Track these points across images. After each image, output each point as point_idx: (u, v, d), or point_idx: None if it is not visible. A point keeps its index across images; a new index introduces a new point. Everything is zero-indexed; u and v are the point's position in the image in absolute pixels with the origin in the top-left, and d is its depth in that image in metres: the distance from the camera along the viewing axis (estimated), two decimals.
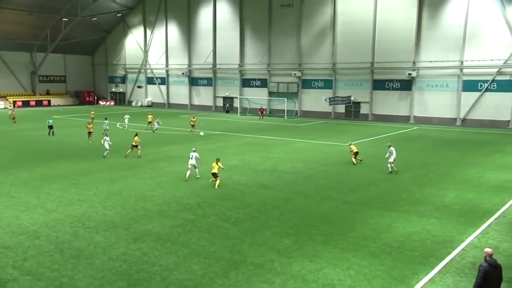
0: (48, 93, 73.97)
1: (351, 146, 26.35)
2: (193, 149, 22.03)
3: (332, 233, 13.98)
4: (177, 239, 13.45)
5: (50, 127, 36.76)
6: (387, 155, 23.27)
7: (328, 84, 55.30)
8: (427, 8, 48.07)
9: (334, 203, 17.27)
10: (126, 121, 42.14)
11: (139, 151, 26.76)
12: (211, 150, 28.64)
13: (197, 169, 21.43)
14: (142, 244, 13.03)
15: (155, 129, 38.33)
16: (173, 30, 68.52)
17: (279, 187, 19.81)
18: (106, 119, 39.22)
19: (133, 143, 26.91)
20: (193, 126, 38.09)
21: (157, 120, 39.65)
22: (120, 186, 19.66)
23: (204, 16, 64.57)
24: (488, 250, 8.95)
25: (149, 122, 40.94)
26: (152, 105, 72.45)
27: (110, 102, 76.37)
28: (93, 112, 47.01)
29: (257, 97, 59.26)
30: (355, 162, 25.34)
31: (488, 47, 44.90)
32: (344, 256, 12.26)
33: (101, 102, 75.88)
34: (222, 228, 14.44)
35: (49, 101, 72.32)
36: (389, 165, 22.80)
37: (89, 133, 32.42)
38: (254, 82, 61.57)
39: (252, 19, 60.31)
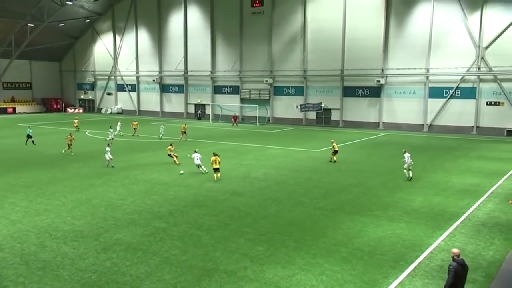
0: (13, 100, 71.77)
1: (333, 144, 27.91)
2: (195, 149, 24.52)
3: (304, 239, 14.06)
4: (148, 248, 13.25)
5: (29, 136, 35.27)
6: (405, 163, 23.05)
7: (299, 91, 55.86)
8: (393, 17, 49.39)
9: (306, 209, 17.38)
10: (118, 128, 41.42)
11: (176, 158, 26.43)
12: (183, 157, 28.41)
13: (201, 168, 23.70)
14: (112, 254, 12.77)
15: (115, 136, 37.60)
16: (144, 36, 67.86)
17: (252, 194, 19.81)
18: (111, 127, 38.38)
19: (168, 152, 26.68)
20: (184, 133, 37.79)
21: (115, 127, 38.84)
22: (90, 195, 19.23)
23: (175, 22, 64.27)
24: (455, 250, 9.38)
25: (135, 129, 41.34)
26: (122, 112, 71.34)
27: (78, 110, 74.76)
28: (76, 120, 45.56)
29: (229, 104, 59.26)
30: (334, 160, 27.32)
31: (452, 55, 46.49)
32: (316, 261, 12.34)
33: (69, 110, 74.17)
34: (195, 236, 14.31)
35: (14, 109, 70.17)
36: (405, 171, 22.91)
37: (69, 144, 30.47)
38: (226, 89, 61.57)
39: (223, 26, 60.42)
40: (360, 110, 52.26)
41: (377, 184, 21.90)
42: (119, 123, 42.71)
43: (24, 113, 70.18)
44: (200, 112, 62.52)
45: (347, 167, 26.19)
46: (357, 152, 31.73)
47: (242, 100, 59.88)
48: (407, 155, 23.33)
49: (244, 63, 59.30)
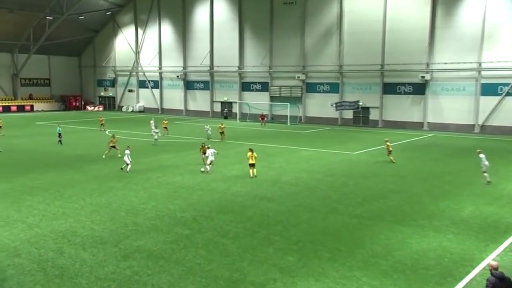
0: (31, 97, 74.15)
1: (387, 143, 28.85)
2: (208, 145, 25.80)
3: (339, 249, 13.94)
4: (171, 256, 13.41)
5: (59, 135, 36.33)
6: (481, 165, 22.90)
7: (334, 87, 55.44)
8: (441, 6, 48.34)
9: (341, 217, 17.23)
10: (153, 126, 41.92)
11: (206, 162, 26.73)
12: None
13: (210, 165, 24.69)
14: (133, 261, 12.99)
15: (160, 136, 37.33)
16: (167, 29, 68.88)
17: (282, 199, 19.79)
18: (156, 127, 38.93)
19: (202, 152, 27.00)
20: (222, 133, 38.13)
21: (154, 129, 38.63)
22: (109, 199, 19.65)
23: (201, 15, 64.93)
24: (493, 263, 9.31)
25: (165, 128, 41.66)
26: (144, 110, 72.63)
27: (98, 107, 76.55)
28: (102, 118, 46.41)
29: (258, 102, 59.39)
30: (392, 160, 28.29)
31: (508, 47, 45.09)
32: (353, 275, 12.20)
33: (88, 107, 76.04)
34: (220, 244, 14.40)
35: (32, 106, 72.49)
36: (485, 174, 22.72)
37: (113, 147, 30.37)
38: (255, 85, 61.74)
39: (252, 18, 60.63)
40: (402, 108, 51.39)
41: (420, 190, 21.50)
42: (152, 122, 43.03)
43: (42, 111, 72.39)
44: (226, 111, 62.95)
45: (386, 172, 25.83)
46: (398, 155, 31.23)
47: (272, 98, 59.88)
48: (482, 156, 23.01)
49: (275, 57, 59.31)
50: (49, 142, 37.04)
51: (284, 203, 19.20)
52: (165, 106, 70.66)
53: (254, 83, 61.77)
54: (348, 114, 54.63)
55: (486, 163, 22.79)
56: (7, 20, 65.32)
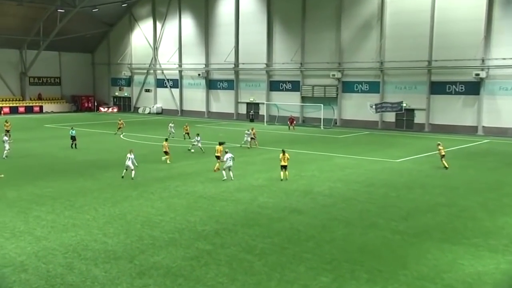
0: (40, 97, 76.06)
1: (439, 147, 29.29)
2: (226, 150, 26.25)
3: (379, 270, 13.75)
4: (191, 274, 13.47)
5: (73, 138, 37.11)
6: None
7: (374, 87, 54.95)
8: None
9: (381, 233, 17.03)
10: (172, 130, 43.15)
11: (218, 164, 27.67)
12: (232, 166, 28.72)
13: (229, 172, 25.22)
14: (149, 279, 13.10)
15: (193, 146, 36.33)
16: (188, 23, 69.69)
17: (314, 212, 19.70)
18: (198, 135, 39.10)
19: (216, 154, 27.58)
20: (253, 139, 38.36)
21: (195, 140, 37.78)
22: (124, 209, 19.92)
23: (225, 6, 65.48)
24: None
25: (187, 133, 41.98)
26: (162, 112, 73.57)
27: (112, 109, 77.86)
28: (121, 122, 46.71)
29: (288, 103, 59.40)
30: (445, 165, 28.74)
31: None
32: None
33: (102, 109, 77.43)
34: (245, 261, 14.39)
35: (41, 107, 74.36)
36: None
37: (166, 152, 30.57)
38: (284, 85, 61.76)
39: (282, 9, 60.77)
40: (452, 111, 50.48)
41: (474, 204, 21.06)
42: (171, 125, 43.84)
43: (52, 112, 74.15)
44: (252, 113, 63.17)
45: (434, 182, 25.43)
46: (449, 164, 30.67)
47: (304, 99, 59.77)
48: None
49: (307, 53, 59.25)
50: (59, 146, 37.85)
51: (317, 216, 19.09)
52: (185, 108, 71.39)
53: (284, 82, 61.78)
54: (390, 117, 54.03)
55: None
56: (16, 13, 67.22)
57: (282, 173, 25.57)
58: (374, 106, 50.82)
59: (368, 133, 49.64)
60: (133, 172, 25.82)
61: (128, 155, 26.09)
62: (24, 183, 24.63)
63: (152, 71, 75.16)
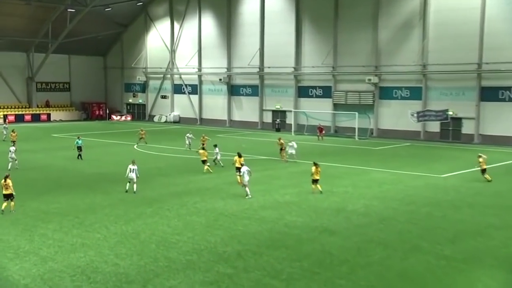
0: (47, 104, 77.47)
1: (480, 159, 29.71)
2: (242, 162, 26.91)
3: None
4: None
5: (79, 148, 37.90)
6: None
7: (415, 93, 54.50)
8: None
9: (425, 258, 16.79)
10: (189, 141, 43.32)
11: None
12: (256, 180, 28.70)
13: (246, 188, 25.14)
14: None
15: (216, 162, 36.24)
16: (209, 23, 70.33)
17: (348, 232, 19.55)
18: (190, 133, 41.17)
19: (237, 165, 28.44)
20: (282, 150, 38.35)
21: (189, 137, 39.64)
22: (137, 228, 20.05)
23: (249, 4, 65.94)
24: None
25: (203, 144, 41.20)
26: (179, 120, 74.14)
27: (126, 117, 78.68)
28: (143, 132, 47.22)
29: (318, 110, 59.25)
30: (488, 179, 29.14)
31: None
32: None
33: (114, 117, 78.41)
34: (270, 286, 14.33)
35: (48, 115, 75.75)
36: None
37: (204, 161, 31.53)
38: (314, 90, 61.69)
39: (312, 7, 60.90)
40: (506, 120, 49.64)
41: None
42: (188, 135, 43.84)
43: (60, 120, 75.43)
44: (279, 122, 63.17)
45: (486, 201, 25.03)
46: (501, 180, 30.12)
47: (336, 106, 59.58)
48: None
49: (340, 56, 59.14)
50: (67, 158, 38.41)
51: (351, 237, 18.93)
52: (205, 116, 71.85)
53: (314, 87, 61.73)
54: (434, 127, 53.43)
55: None
56: (22, 13, 68.61)
57: (313, 186, 26.11)
58: (415, 115, 50.27)
59: (408, 145, 49.16)
60: (135, 185, 26.22)
61: (131, 166, 26.48)
62: (29, 198, 25.00)
63: (169, 76, 75.94)
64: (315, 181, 26.19)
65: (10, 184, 22.51)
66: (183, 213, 22.30)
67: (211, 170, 32.32)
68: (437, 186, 28.78)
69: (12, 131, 44.31)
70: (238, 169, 27.65)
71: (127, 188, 26.38)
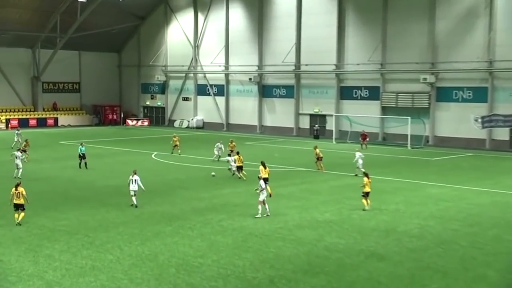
0: (55, 107, 78.97)
1: None
2: (259, 175, 26.74)
3: None
4: None
5: (82, 156, 38.88)
6: None
7: (480, 94, 53.90)
8: None
9: None
10: (219, 151, 43.13)
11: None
12: (291, 195, 28.52)
13: (266, 205, 24.78)
14: None
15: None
16: (237, 14, 70.78)
17: (399, 257, 19.32)
18: (220, 142, 42.58)
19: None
20: (319, 159, 38.26)
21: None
22: (155, 248, 20.11)
23: None
24: None
25: (231, 151, 41.38)
26: (203, 126, 74.57)
27: (142, 122, 79.41)
28: (177, 138, 47.31)
29: (363, 114, 58.94)
30: None
31: None
32: None
33: (129, 122, 79.30)
34: None
35: (55, 120, 77.06)
36: None
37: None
38: (359, 91, 61.43)
39: None
40: None
41: None
42: (218, 144, 43.52)
43: (69, 126, 76.52)
44: (318, 127, 62.95)
45: None
46: None
47: (384, 109, 59.23)
48: None
49: (389, 51, 58.79)
50: (76, 168, 38.88)
51: (403, 263, 18.70)
52: (232, 121, 72.15)
53: (359, 88, 61.48)
54: (502, 134, 52.77)
55: None
56: (27, 4, 69.94)
57: (364, 201, 26.21)
58: (480, 120, 49.57)
59: (471, 155, 48.55)
60: (134, 198, 26.75)
61: (131, 177, 26.95)
62: (33, 213, 25.27)
63: (191, 75, 76.57)
64: (366, 195, 26.28)
65: (24, 192, 23.58)
66: (207, 232, 22.30)
67: (244, 178, 33.55)
68: (507, 205, 28.28)
69: (26, 141, 44.70)
70: (266, 179, 27.61)
71: (132, 202, 26.79)
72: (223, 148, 43.21)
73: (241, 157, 35.15)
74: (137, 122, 79.51)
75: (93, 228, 23.00)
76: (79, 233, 22.18)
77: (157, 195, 29.46)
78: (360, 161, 36.72)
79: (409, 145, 53.65)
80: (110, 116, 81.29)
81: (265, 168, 29.84)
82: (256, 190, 25.95)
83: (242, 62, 70.30)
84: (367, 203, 26.18)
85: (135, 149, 50.55)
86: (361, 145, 52.64)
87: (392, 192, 30.96)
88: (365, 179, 26.46)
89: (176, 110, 78.86)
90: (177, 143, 46.54)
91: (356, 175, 36.02)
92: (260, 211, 24.81)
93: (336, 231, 22.56)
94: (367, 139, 53.63)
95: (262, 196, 24.93)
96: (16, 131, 52.36)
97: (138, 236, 21.77)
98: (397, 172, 38.34)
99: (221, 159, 41.34)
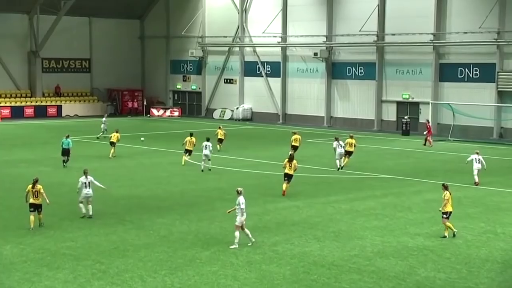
0: (57, 92, 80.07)
1: None
2: (238, 189, 24.65)
3: None
4: None
5: (66, 152, 40.24)
6: None
7: None
8: None
9: None
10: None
11: None
12: (370, 211, 28.34)
13: (246, 231, 24.00)
14: None
15: None
16: None
17: None
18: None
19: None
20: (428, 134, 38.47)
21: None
22: (188, 280, 20.21)
23: None
24: None
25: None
26: (251, 118, 74.77)
27: (172, 112, 79.85)
28: (222, 131, 49.23)
29: (472, 102, 58.15)
30: None
31: None
32: None
33: (154, 112, 79.88)
34: None
35: (59, 108, 78.05)
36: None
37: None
38: (466, 70, 60.58)
39: None
40: None
41: None
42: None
43: (76, 116, 77.52)
44: (407, 120, 62.25)
45: None
46: None
47: (502, 95, 58.31)
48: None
49: (509, 15, 57.67)
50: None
51: None
52: (291, 111, 72.20)
53: (466, 65, 60.74)
54: None
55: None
56: None
57: (448, 225, 25.69)
58: None
59: None
60: (90, 206, 27.54)
61: (83, 180, 27.60)
62: (30, 232, 25.70)
63: (237, 50, 76.81)
64: (447, 215, 25.68)
65: (42, 190, 25.23)
66: (256, 260, 22.29)
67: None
68: None
69: (116, 131, 46.35)
70: (289, 176, 32.52)
71: (83, 211, 27.55)
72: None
73: (193, 139, 41.65)
74: (165, 111, 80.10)
75: (107, 252, 23.22)
76: (88, 258, 22.42)
77: (190, 210, 29.63)
78: (477, 166, 36.54)
79: None
80: (130, 104, 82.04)
81: (290, 162, 31.22)
82: (229, 212, 25.28)
83: (305, 32, 70.23)
84: (449, 228, 25.59)
85: (163, 147, 50.89)
86: (425, 140, 51.83)
87: (510, 210, 30.51)
88: (446, 193, 25.79)
89: (216, 96, 79.23)
90: (223, 137, 47.29)
91: (476, 183, 36.33)
92: (236, 240, 23.79)
93: (433, 262, 22.30)
94: (431, 133, 53.58)
95: (240, 219, 23.89)
96: (103, 119, 56.95)
97: (166, 263, 21.90)
98: None
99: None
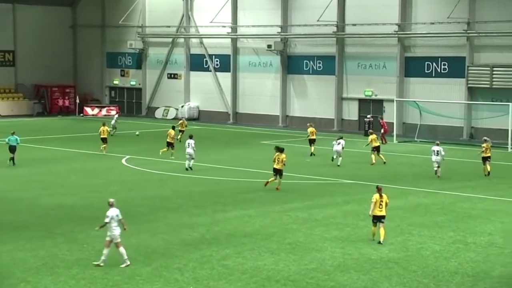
0: None
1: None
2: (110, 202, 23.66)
3: None
4: None
5: (13, 149, 40.87)
6: None
7: None
8: None
9: None
10: None
11: None
12: (330, 220, 28.47)
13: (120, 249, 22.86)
14: None
15: None
16: None
17: None
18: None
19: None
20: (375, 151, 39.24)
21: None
22: None
23: None
24: None
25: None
26: (198, 117, 74.69)
27: (108, 111, 79.18)
28: (183, 122, 52.82)
29: (441, 100, 58.75)
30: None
31: None
32: None
33: (88, 110, 79.36)
34: None
35: None
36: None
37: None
38: (434, 64, 61.22)
39: None
40: None
41: None
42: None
43: None
44: (370, 120, 62.73)
45: None
46: None
47: (472, 91, 59.07)
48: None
49: (480, 4, 58.50)
50: (10, 178, 39.17)
51: None
52: (243, 109, 72.42)
53: (433, 59, 61.34)
54: None
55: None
56: None
57: (376, 229, 26.26)
58: None
59: None
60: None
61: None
62: None
63: (182, 41, 76.67)
64: (377, 219, 26.22)
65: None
66: (204, 276, 22.22)
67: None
68: None
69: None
70: (278, 172, 35.27)
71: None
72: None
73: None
74: (100, 110, 79.74)
75: (33, 269, 22.93)
76: (13, 276, 22.14)
77: (130, 221, 29.38)
78: (436, 158, 37.90)
79: (510, 146, 53.71)
80: (60, 102, 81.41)
81: (281, 153, 33.19)
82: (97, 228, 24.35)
83: (258, 22, 70.52)
84: (375, 233, 26.24)
85: (98, 151, 50.52)
86: (381, 139, 52.12)
87: (483, 217, 30.88)
88: (376, 196, 26.25)
89: (159, 93, 79.09)
90: (183, 127, 51.18)
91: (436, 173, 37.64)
92: (103, 257, 23.05)
93: (398, 275, 22.42)
94: (387, 130, 54.95)
95: (115, 233, 23.18)
96: (115, 117, 60.47)
97: (101, 281, 21.73)
98: (490, 187, 38.24)
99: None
